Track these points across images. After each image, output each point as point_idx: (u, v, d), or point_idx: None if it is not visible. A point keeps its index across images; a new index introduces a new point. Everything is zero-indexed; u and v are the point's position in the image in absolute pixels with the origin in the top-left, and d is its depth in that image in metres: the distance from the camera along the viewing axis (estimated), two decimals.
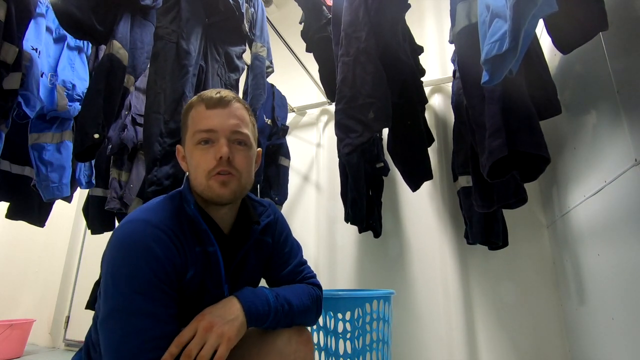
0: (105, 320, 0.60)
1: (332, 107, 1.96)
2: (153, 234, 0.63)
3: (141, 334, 0.58)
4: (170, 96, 1.21)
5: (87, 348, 0.73)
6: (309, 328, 0.84)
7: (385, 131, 1.68)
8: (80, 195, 2.30)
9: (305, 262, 0.89)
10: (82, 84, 1.60)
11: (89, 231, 1.95)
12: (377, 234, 1.90)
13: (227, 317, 0.65)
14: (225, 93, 0.74)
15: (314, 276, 0.88)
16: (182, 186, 0.76)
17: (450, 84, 1.85)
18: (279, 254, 0.85)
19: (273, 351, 0.72)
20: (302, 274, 0.85)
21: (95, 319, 0.71)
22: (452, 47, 1.65)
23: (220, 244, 0.73)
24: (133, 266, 0.60)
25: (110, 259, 0.62)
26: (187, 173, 0.76)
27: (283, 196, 2.08)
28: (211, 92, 0.74)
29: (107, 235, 1.32)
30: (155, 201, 0.72)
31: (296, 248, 0.89)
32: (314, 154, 2.40)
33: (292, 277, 0.84)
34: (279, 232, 0.86)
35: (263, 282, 0.85)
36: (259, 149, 0.82)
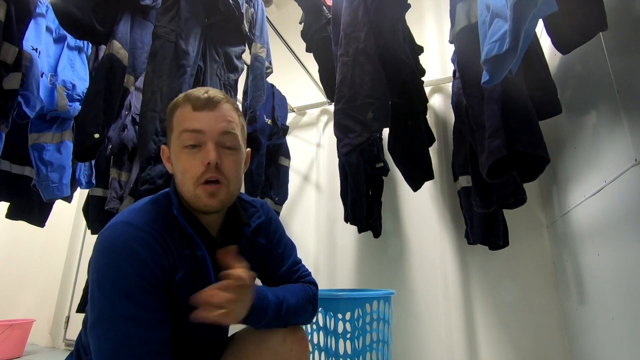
0: (93, 326, 0.58)
1: (332, 107, 1.96)
2: (137, 236, 0.61)
3: (130, 340, 0.57)
4: (167, 95, 1.20)
5: (77, 351, 0.72)
6: (307, 327, 0.84)
7: (386, 131, 1.68)
8: (80, 195, 2.30)
9: (299, 261, 0.88)
10: (82, 84, 1.60)
11: (89, 231, 1.95)
12: (376, 234, 1.90)
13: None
14: (214, 93, 0.70)
15: (309, 274, 0.87)
16: (169, 187, 0.74)
17: (450, 84, 1.85)
18: (273, 254, 0.84)
19: (268, 350, 0.72)
20: (298, 273, 0.85)
21: (85, 322, 0.70)
22: (452, 47, 1.65)
23: (209, 246, 0.71)
24: (118, 270, 0.58)
25: (95, 264, 0.61)
26: (173, 175, 0.73)
27: (283, 196, 2.08)
28: (198, 92, 0.70)
29: None
30: (140, 203, 0.70)
31: (290, 247, 0.88)
32: (314, 154, 2.40)
33: (288, 276, 0.83)
34: (272, 233, 0.85)
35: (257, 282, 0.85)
36: (247, 149, 0.79)
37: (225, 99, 0.72)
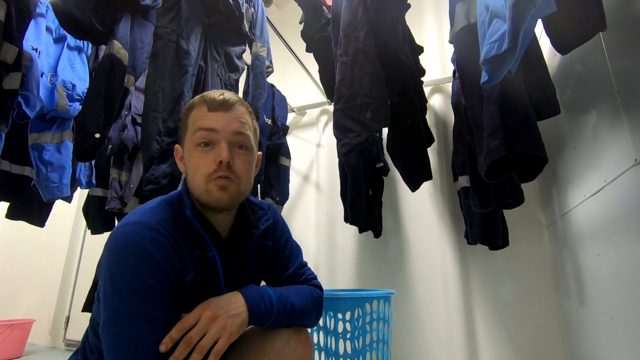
0: (106, 326, 0.59)
1: (332, 107, 1.96)
2: (150, 236, 0.62)
3: (142, 339, 0.57)
4: (169, 95, 1.21)
5: (83, 349, 0.72)
6: (309, 329, 0.84)
7: (385, 131, 1.68)
8: (80, 195, 2.30)
9: (305, 264, 0.89)
10: (82, 84, 1.60)
11: (89, 231, 1.95)
12: (377, 234, 1.90)
13: (231, 311, 0.65)
14: (229, 96, 0.72)
15: (315, 277, 0.87)
16: (180, 188, 0.75)
17: (450, 84, 1.85)
18: (280, 257, 0.84)
19: (271, 351, 0.72)
20: (304, 276, 0.85)
21: (91, 321, 0.71)
22: (452, 47, 1.65)
23: (219, 248, 0.72)
24: (131, 270, 0.59)
25: (107, 264, 0.61)
26: (185, 174, 0.74)
27: (284, 196, 2.08)
28: (214, 94, 0.72)
29: (107, 235, 1.32)
30: (152, 203, 0.70)
31: (296, 250, 0.88)
32: (314, 154, 2.40)
33: (294, 279, 0.84)
34: (279, 236, 0.85)
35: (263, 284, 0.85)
36: (259, 152, 0.81)
37: (240, 102, 0.74)
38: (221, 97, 0.71)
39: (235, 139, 0.70)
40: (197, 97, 0.74)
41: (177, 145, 0.78)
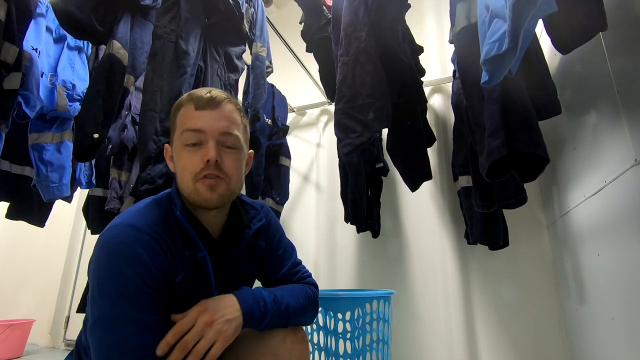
0: (93, 328, 0.58)
1: (332, 107, 1.97)
2: (138, 238, 0.61)
3: (129, 342, 0.56)
4: (167, 95, 1.20)
5: (77, 350, 0.72)
6: (307, 327, 0.83)
7: (385, 131, 1.68)
8: (80, 195, 2.30)
9: (300, 262, 0.88)
10: (82, 84, 1.60)
11: (89, 231, 1.95)
12: (375, 234, 1.90)
13: (226, 315, 0.64)
14: (217, 93, 0.71)
15: (310, 275, 0.87)
16: (171, 188, 0.74)
17: (450, 84, 1.85)
18: (273, 256, 0.84)
19: (267, 351, 0.71)
20: (298, 275, 0.85)
21: (85, 322, 0.70)
22: (452, 47, 1.65)
23: (210, 248, 0.71)
24: (118, 272, 0.58)
25: (95, 265, 0.60)
26: (175, 175, 0.73)
27: (284, 196, 2.08)
28: (201, 92, 0.71)
29: None
30: (142, 204, 0.69)
31: (290, 249, 0.88)
32: (314, 154, 2.40)
33: (288, 278, 0.83)
34: (272, 235, 0.85)
35: (257, 284, 0.85)
36: (250, 150, 0.80)
37: (228, 99, 0.72)
38: (208, 94, 0.70)
39: (224, 138, 0.69)
40: (184, 96, 0.73)
41: (166, 145, 0.77)
